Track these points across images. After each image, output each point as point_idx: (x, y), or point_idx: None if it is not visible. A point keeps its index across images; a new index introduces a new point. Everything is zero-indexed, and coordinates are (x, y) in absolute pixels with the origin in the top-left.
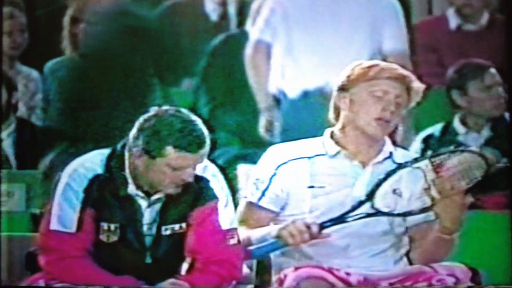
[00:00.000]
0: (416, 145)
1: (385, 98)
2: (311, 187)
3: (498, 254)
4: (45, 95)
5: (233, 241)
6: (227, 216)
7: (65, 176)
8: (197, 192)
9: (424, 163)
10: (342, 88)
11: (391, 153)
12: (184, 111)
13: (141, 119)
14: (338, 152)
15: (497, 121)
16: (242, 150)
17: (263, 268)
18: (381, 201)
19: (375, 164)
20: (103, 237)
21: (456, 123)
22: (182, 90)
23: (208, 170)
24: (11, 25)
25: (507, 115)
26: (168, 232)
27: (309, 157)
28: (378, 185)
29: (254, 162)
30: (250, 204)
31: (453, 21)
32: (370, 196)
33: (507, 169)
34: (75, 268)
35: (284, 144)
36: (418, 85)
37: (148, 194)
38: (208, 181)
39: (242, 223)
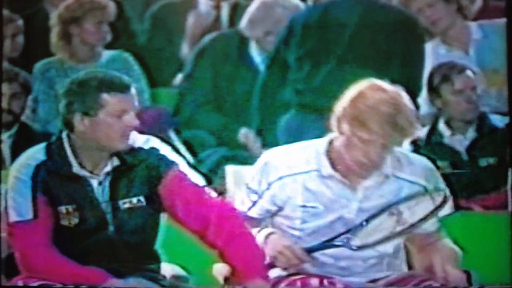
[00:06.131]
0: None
1: (372, 142)
2: (303, 206)
3: (498, 254)
4: (34, 95)
5: (214, 195)
6: (194, 175)
7: (13, 170)
8: (150, 163)
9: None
10: (338, 121)
11: (387, 175)
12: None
13: (64, 88)
14: (331, 175)
15: (482, 122)
16: (230, 152)
17: None
18: (364, 237)
19: (367, 188)
20: (65, 222)
21: (441, 126)
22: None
23: (153, 141)
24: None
25: (493, 116)
26: (126, 206)
27: (305, 172)
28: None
29: (242, 163)
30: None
31: None
32: (354, 230)
33: (495, 169)
34: (41, 259)
35: (280, 152)
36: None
37: (93, 173)
38: (157, 149)
39: None
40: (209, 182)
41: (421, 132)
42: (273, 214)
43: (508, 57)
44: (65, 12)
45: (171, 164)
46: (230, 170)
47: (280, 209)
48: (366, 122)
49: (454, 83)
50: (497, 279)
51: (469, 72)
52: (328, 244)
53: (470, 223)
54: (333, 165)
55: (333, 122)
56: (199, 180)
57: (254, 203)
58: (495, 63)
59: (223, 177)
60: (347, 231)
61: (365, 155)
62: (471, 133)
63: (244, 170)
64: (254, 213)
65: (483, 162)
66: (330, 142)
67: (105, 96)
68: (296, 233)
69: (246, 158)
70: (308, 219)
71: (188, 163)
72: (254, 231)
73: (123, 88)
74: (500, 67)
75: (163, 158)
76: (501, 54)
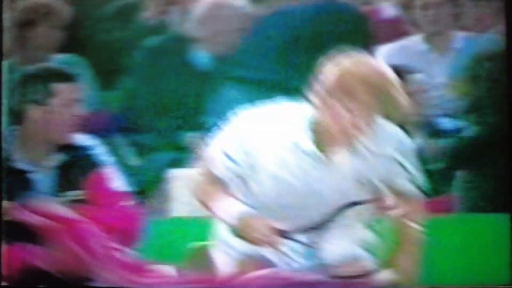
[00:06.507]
0: None
1: (362, 113)
2: (276, 175)
3: (498, 254)
4: None
5: (129, 203)
6: (119, 179)
7: None
8: (87, 159)
9: None
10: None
11: (360, 148)
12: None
13: (15, 82)
14: (310, 149)
15: (432, 125)
16: (177, 155)
17: None
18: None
19: (341, 160)
20: (10, 218)
21: None
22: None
23: (92, 140)
24: None
25: (443, 120)
26: (71, 199)
27: (284, 143)
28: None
29: (188, 167)
30: (211, 175)
31: None
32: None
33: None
34: None
35: (256, 116)
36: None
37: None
38: (93, 147)
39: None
40: (143, 190)
41: (410, 105)
42: (245, 178)
43: (507, 65)
44: (20, 15)
45: (97, 164)
46: (176, 173)
47: (254, 174)
48: (357, 94)
49: (406, 86)
50: (497, 279)
51: (420, 76)
52: (298, 240)
53: (469, 224)
54: (314, 139)
55: (313, 97)
56: (122, 185)
57: (229, 168)
58: (465, 73)
59: (169, 181)
60: (315, 228)
61: (354, 126)
62: (421, 137)
63: (191, 174)
64: (227, 178)
65: (432, 166)
66: (313, 114)
67: (56, 85)
68: (263, 201)
69: (193, 161)
70: (280, 188)
71: (127, 166)
72: (225, 202)
73: (72, 78)
74: (468, 78)
75: (97, 156)
76: (478, 65)
